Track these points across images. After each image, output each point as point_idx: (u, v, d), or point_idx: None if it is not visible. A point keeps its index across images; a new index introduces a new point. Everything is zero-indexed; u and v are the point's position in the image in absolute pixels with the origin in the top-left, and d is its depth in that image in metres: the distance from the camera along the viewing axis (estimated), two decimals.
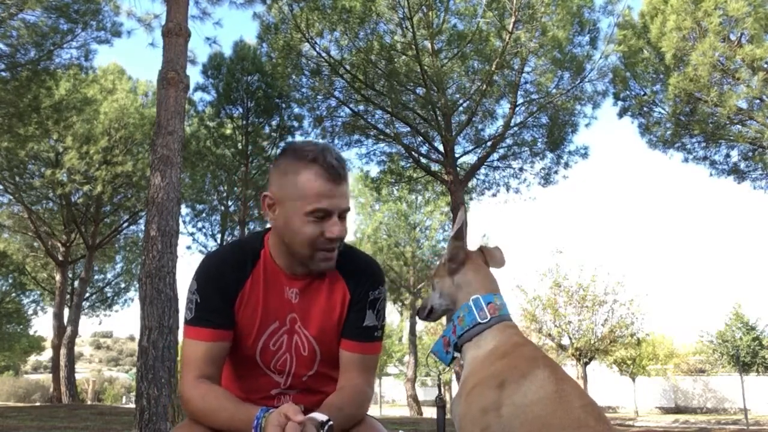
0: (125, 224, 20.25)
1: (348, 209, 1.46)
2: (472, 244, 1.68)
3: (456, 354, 1.57)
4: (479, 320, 1.51)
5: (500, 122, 13.32)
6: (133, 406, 7.99)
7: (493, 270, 1.66)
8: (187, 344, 1.49)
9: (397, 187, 19.53)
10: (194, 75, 17.21)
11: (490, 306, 1.52)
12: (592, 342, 19.49)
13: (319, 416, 1.31)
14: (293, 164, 1.42)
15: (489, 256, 1.66)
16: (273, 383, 1.56)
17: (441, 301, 1.65)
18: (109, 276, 25.05)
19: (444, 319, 2.00)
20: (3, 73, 11.67)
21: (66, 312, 19.21)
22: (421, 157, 13.57)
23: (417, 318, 1.79)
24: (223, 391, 1.45)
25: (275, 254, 1.52)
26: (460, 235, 1.61)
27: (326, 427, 1.29)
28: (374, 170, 14.87)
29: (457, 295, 1.59)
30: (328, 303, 1.53)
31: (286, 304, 1.51)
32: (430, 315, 1.69)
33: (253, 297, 1.49)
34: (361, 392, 1.50)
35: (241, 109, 16.56)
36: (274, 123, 16.73)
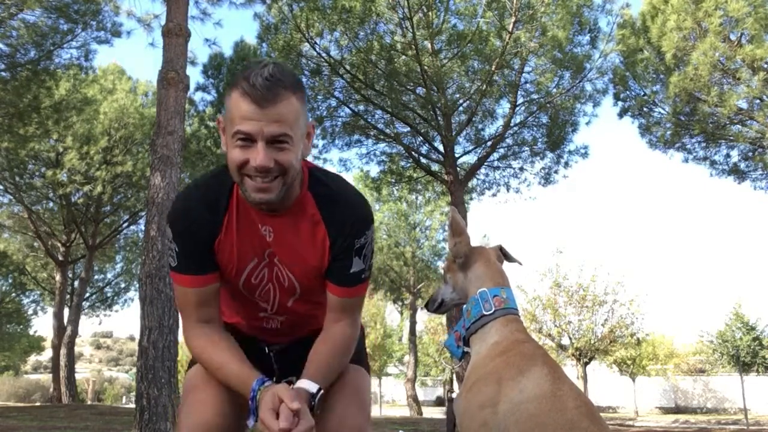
0: (125, 224, 20.25)
1: (283, 134, 1.30)
2: (473, 244, 1.70)
3: (467, 349, 1.59)
4: (484, 312, 1.54)
5: (500, 122, 13.32)
6: (133, 406, 8.00)
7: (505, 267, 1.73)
8: (178, 290, 1.48)
9: (397, 187, 19.53)
10: (194, 75, 17.19)
11: (496, 299, 1.55)
12: (592, 342, 19.49)
13: (309, 386, 1.34)
14: (230, 85, 1.36)
15: (507, 254, 1.74)
16: (260, 308, 1.57)
17: (453, 295, 1.70)
18: (109, 276, 25.05)
19: (444, 320, 2.02)
20: (3, 73, 11.66)
21: (66, 312, 19.20)
22: (421, 157, 13.57)
23: (426, 310, 1.80)
24: (227, 344, 1.45)
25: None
26: (457, 231, 1.66)
27: (317, 398, 1.34)
28: (374, 170, 14.87)
29: (468, 289, 1.64)
30: (306, 245, 1.47)
31: (261, 241, 1.46)
32: (440, 308, 1.74)
33: (229, 238, 1.44)
34: (347, 340, 1.50)
35: None
36: None
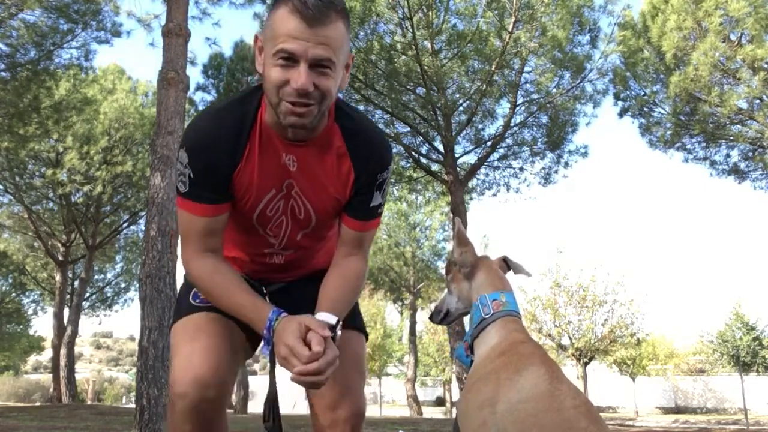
0: (125, 224, 20.26)
1: (327, 59, 1.25)
2: (473, 244, 1.72)
3: (473, 356, 1.60)
4: (483, 316, 1.56)
5: (500, 122, 13.32)
6: (133, 406, 8.00)
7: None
8: (184, 216, 1.41)
9: (397, 187, 19.51)
10: (194, 75, 17.20)
11: (495, 302, 1.56)
12: (592, 342, 19.49)
13: (328, 318, 1.33)
14: (276, 1, 1.29)
15: (512, 265, 1.75)
16: (267, 243, 1.55)
17: (459, 305, 1.71)
18: (109, 276, 25.05)
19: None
20: (3, 73, 11.66)
21: (66, 312, 19.20)
22: (421, 157, 13.57)
23: (431, 322, 1.79)
24: (232, 273, 1.43)
25: (268, 114, 1.38)
26: (463, 241, 1.68)
27: (337, 329, 1.35)
28: None
29: (472, 297, 1.65)
30: (330, 176, 1.45)
31: (283, 171, 1.42)
32: (446, 318, 1.74)
33: (250, 165, 1.39)
34: (360, 274, 1.51)
35: None
36: None
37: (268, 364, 1.46)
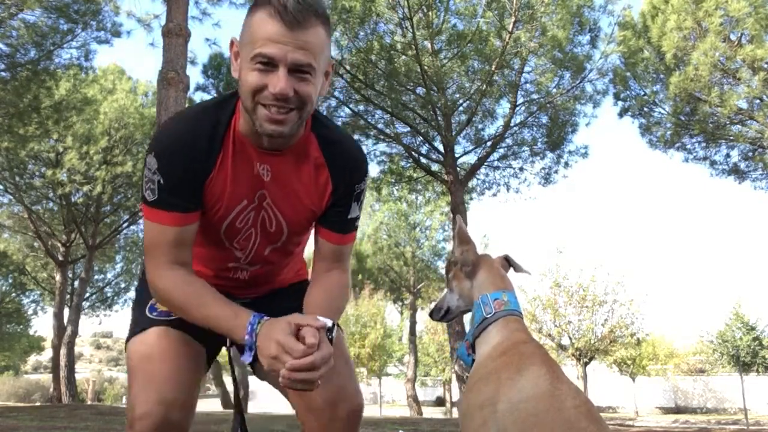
0: (125, 224, 20.25)
1: (307, 64, 1.21)
2: (475, 243, 1.72)
3: (474, 355, 1.60)
4: (485, 315, 1.56)
5: (500, 122, 13.33)
6: None
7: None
8: (151, 228, 1.32)
9: (397, 187, 19.51)
10: (194, 75, 17.19)
11: (497, 302, 1.56)
12: (592, 342, 19.48)
13: (323, 320, 1.25)
14: (254, 4, 1.25)
15: (514, 264, 1.76)
16: (232, 258, 1.48)
17: (459, 303, 1.71)
18: (109, 276, 25.05)
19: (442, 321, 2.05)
20: (3, 73, 11.66)
21: (66, 312, 19.19)
22: (421, 157, 13.57)
23: (431, 319, 1.78)
24: (204, 283, 1.33)
25: (243, 121, 1.32)
26: (465, 240, 1.68)
27: (333, 332, 1.28)
28: (374, 170, 14.88)
29: (473, 296, 1.65)
30: (307, 187, 1.40)
31: (256, 180, 1.36)
32: (446, 316, 1.75)
33: (222, 174, 1.33)
34: (343, 286, 1.46)
35: None
36: None
37: (231, 376, 1.39)
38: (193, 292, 1.31)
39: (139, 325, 1.45)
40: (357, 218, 1.48)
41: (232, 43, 1.32)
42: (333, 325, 1.26)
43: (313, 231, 1.52)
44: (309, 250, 1.64)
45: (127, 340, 1.47)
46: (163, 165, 1.27)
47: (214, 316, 1.28)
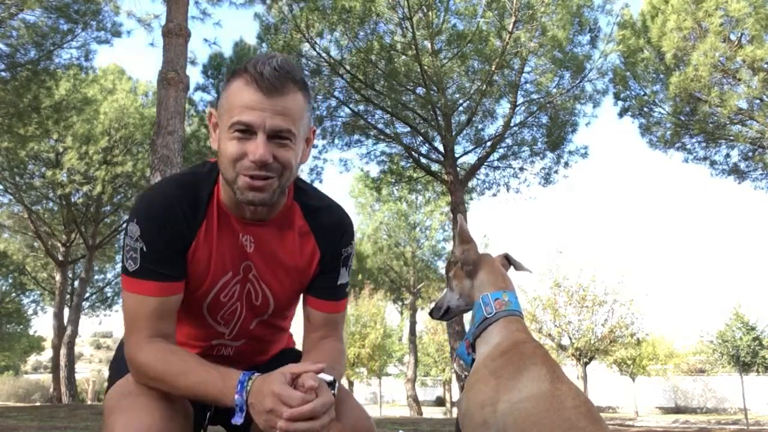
0: (125, 224, 20.25)
1: (287, 130, 1.19)
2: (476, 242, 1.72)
3: (474, 355, 1.60)
4: (485, 315, 1.56)
5: (500, 122, 13.33)
6: None
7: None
8: (131, 299, 1.25)
9: (397, 187, 19.55)
10: (194, 75, 17.21)
11: (497, 302, 1.57)
12: (592, 342, 19.49)
13: (325, 376, 1.18)
14: (231, 74, 1.24)
15: (514, 262, 1.76)
16: (216, 333, 1.41)
17: (460, 302, 1.71)
18: (109, 276, 25.04)
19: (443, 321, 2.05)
20: (3, 73, 11.67)
21: (66, 312, 19.20)
22: (421, 157, 13.58)
23: (431, 317, 1.78)
24: (186, 351, 1.26)
25: (224, 192, 1.30)
26: (466, 238, 1.68)
27: (336, 387, 1.19)
28: (374, 170, 14.88)
29: (473, 295, 1.66)
30: (293, 257, 1.36)
31: (240, 252, 1.32)
32: (446, 314, 1.75)
33: (207, 244, 1.29)
34: (341, 351, 1.41)
35: None
36: None
37: None
38: (177, 360, 1.22)
39: (119, 373, 1.34)
40: (347, 284, 1.45)
41: (210, 114, 1.31)
42: (334, 380, 1.18)
43: (301, 302, 1.47)
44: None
45: (107, 390, 1.36)
46: (146, 231, 1.24)
47: (201, 382, 1.18)
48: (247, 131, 1.18)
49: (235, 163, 1.20)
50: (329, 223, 1.39)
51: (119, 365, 1.36)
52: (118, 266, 24.73)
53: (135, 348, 1.24)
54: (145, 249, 1.23)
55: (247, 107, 1.17)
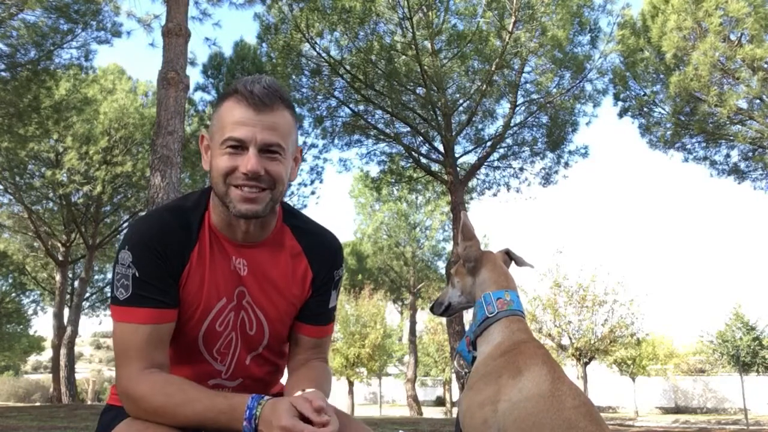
0: (125, 224, 20.26)
1: (276, 144, 1.23)
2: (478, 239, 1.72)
3: (475, 353, 1.59)
4: (487, 314, 1.55)
5: (500, 122, 13.35)
6: None
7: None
8: (123, 330, 1.22)
9: (397, 187, 19.56)
10: (194, 75, 17.21)
11: (499, 301, 1.56)
12: (592, 342, 19.48)
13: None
14: (221, 96, 1.28)
15: (515, 258, 1.75)
16: (213, 372, 1.37)
17: (461, 299, 1.71)
18: (109, 276, 24.94)
19: (444, 320, 2.04)
20: (3, 73, 11.67)
21: (66, 312, 19.21)
22: (421, 157, 13.58)
23: (432, 313, 1.79)
24: (184, 380, 1.22)
25: (216, 215, 1.31)
26: (468, 236, 1.68)
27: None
28: (374, 170, 14.89)
29: (475, 293, 1.65)
30: (287, 278, 1.36)
31: (234, 276, 1.31)
32: (447, 311, 1.75)
33: (199, 270, 1.28)
34: (328, 372, 1.42)
35: None
36: None
37: None
38: (177, 389, 1.18)
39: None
40: (335, 308, 1.46)
41: (201, 138, 1.33)
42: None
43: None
44: None
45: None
46: (138, 256, 1.22)
47: (206, 409, 1.16)
48: (239, 146, 1.21)
49: (227, 177, 1.22)
50: (320, 244, 1.41)
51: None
52: None
53: (129, 381, 1.20)
54: (137, 274, 1.22)
55: (239, 123, 1.21)
